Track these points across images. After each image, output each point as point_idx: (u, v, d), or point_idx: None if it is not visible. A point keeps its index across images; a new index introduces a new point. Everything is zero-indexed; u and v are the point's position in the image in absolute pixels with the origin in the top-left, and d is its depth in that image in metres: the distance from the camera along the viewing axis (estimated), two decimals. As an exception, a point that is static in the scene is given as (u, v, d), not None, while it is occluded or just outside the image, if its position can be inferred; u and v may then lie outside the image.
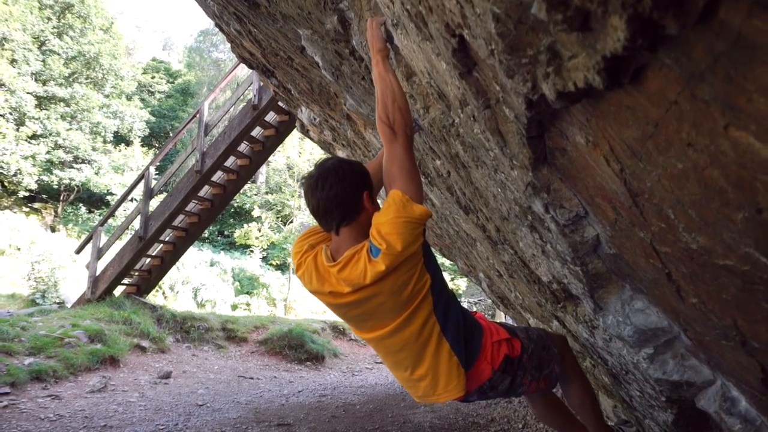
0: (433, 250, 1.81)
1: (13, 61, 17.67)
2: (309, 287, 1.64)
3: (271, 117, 8.53)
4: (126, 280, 9.19)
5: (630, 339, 1.45)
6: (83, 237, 12.29)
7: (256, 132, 8.65)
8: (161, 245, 9.24)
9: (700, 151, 0.66)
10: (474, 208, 2.27)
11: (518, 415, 5.02)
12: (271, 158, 21.27)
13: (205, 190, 8.95)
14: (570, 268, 1.51)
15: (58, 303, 10.49)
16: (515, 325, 1.89)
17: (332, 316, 16.17)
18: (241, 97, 8.83)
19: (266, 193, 20.93)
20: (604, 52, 0.64)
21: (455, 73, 1.19)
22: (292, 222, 18.33)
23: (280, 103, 7.62)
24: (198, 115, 8.81)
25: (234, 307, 15.83)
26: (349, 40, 2.36)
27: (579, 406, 1.94)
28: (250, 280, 17.75)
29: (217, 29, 5.09)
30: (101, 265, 9.01)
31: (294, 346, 9.01)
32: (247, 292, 17.06)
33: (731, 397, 1.32)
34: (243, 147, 8.72)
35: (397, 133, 1.55)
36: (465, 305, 2.09)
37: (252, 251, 19.09)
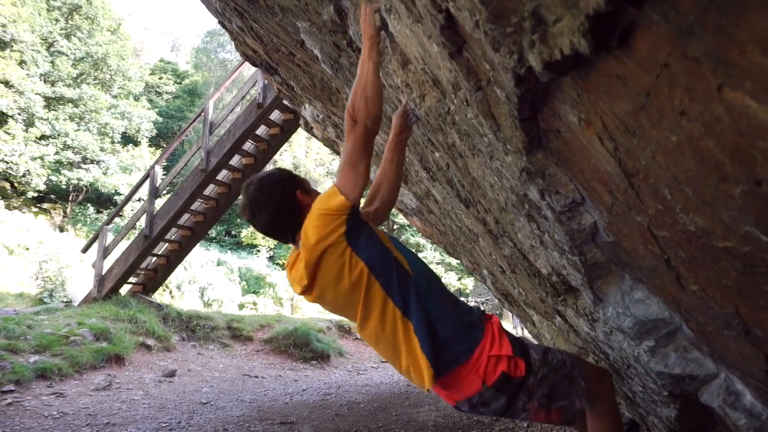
0: (419, 241, 1.73)
1: (21, 63, 17.83)
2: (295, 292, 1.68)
3: (275, 116, 8.53)
4: (132, 279, 9.22)
5: (630, 331, 1.40)
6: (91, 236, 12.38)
7: (261, 131, 8.65)
8: (167, 244, 9.26)
9: (694, 120, 0.61)
10: (473, 200, 2.22)
11: (523, 414, 4.96)
12: (278, 158, 21.35)
13: (210, 189, 8.95)
14: (568, 258, 1.46)
15: (65, 302, 10.55)
16: (539, 343, 1.66)
17: (338, 316, 16.08)
18: (246, 95, 8.82)
19: (273, 192, 20.88)
20: (588, 11, 0.60)
21: (445, 54, 1.15)
22: (298, 221, 18.32)
23: (284, 102, 7.61)
24: (203, 114, 8.82)
25: (241, 306, 15.86)
26: (347, 31, 2.33)
27: None
28: (257, 280, 17.78)
29: (223, 29, 5.09)
30: (107, 264, 9.04)
31: (299, 345, 9.00)
32: (254, 292, 17.09)
33: (735, 390, 1.27)
34: (248, 146, 8.72)
35: (357, 123, 1.53)
36: (472, 304, 1.92)
37: (259, 251, 19.13)
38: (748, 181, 0.63)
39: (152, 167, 9.24)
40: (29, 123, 17.70)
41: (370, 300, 1.52)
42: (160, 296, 12.24)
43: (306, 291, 1.57)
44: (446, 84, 1.38)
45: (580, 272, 1.45)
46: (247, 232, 17.49)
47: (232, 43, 5.32)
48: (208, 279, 15.68)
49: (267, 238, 16.94)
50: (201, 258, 17.06)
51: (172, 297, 14.10)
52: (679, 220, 0.87)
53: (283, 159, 20.15)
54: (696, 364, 1.35)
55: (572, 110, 0.90)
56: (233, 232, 22.64)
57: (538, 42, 0.72)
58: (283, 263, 19.81)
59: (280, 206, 1.57)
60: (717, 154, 0.63)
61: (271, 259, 20.07)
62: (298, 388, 6.72)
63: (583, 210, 1.25)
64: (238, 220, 22.88)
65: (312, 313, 15.98)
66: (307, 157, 18.84)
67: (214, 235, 22.40)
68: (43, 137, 18.06)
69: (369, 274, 1.50)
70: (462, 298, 1.64)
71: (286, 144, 19.14)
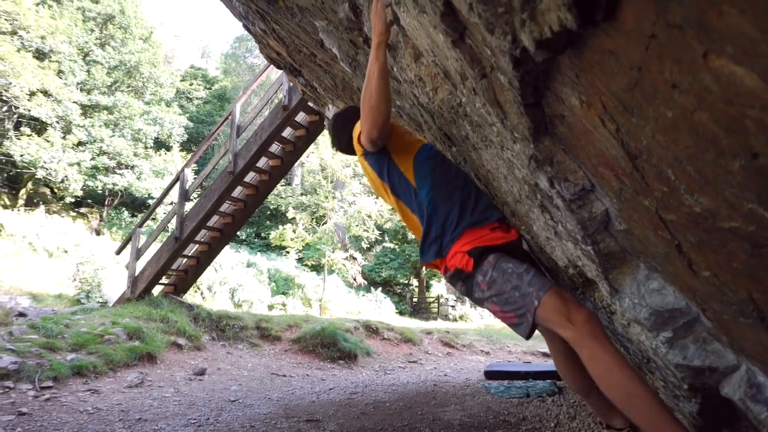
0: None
1: (59, 72, 18.47)
2: None
3: (301, 117, 8.62)
4: (164, 280, 9.44)
5: (647, 322, 1.37)
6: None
7: (287, 132, 8.75)
8: (197, 245, 9.45)
9: (686, 92, 0.60)
10: (491, 194, 2.21)
11: (551, 414, 4.89)
12: (305, 160, 21.58)
13: (238, 191, 9.10)
14: (582, 249, 1.43)
15: (101, 302, 10.88)
16: (512, 258, 1.75)
17: (365, 315, 16.23)
18: (272, 98, 8.94)
19: (301, 194, 21.20)
20: (570, -17, 0.59)
21: (449, 42, 1.15)
22: (326, 223, 18.47)
23: (309, 104, 7.68)
24: (230, 118, 8.98)
25: (270, 307, 16.06)
26: (362, 28, 2.34)
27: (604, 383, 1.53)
28: (286, 281, 17.98)
29: (248, 33, 5.18)
30: (140, 265, 9.28)
31: (326, 345, 9.05)
32: (283, 293, 17.29)
33: (757, 383, 1.23)
34: (274, 147, 8.83)
35: (363, 132, 1.88)
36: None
37: (288, 252, 19.34)
38: (744, 154, 0.61)
39: (182, 170, 9.45)
40: (67, 130, 18.32)
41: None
42: (191, 297, 12.50)
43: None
44: (455, 74, 1.38)
45: (594, 262, 1.43)
46: (276, 234, 17.69)
47: (257, 46, 5.42)
48: (238, 280, 15.93)
49: (295, 240, 17.18)
50: (231, 259, 17.36)
51: (203, 298, 14.38)
52: (684, 202, 0.84)
53: (310, 161, 20.32)
54: (716, 356, 1.31)
55: (573, 92, 0.89)
56: (263, 234, 22.96)
57: (528, 20, 0.72)
58: (311, 264, 20.07)
59: (339, 130, 2.34)
60: (712, 127, 0.62)
61: (299, 260, 20.28)
62: (325, 387, 6.76)
63: (593, 198, 1.23)
64: (268, 222, 23.23)
65: (340, 313, 16.08)
66: (334, 158, 18.94)
67: (243, 237, 22.78)
68: (79, 144, 18.66)
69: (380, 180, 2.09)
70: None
71: (312, 146, 19.33)
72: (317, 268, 19.91)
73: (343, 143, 2.37)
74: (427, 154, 2.05)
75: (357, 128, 2.03)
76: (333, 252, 17.67)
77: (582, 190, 1.21)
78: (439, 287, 26.11)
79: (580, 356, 1.56)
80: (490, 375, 7.28)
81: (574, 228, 1.34)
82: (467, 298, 2.06)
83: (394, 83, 2.55)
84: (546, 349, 7.88)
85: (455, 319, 21.14)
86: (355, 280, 18.77)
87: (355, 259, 19.08)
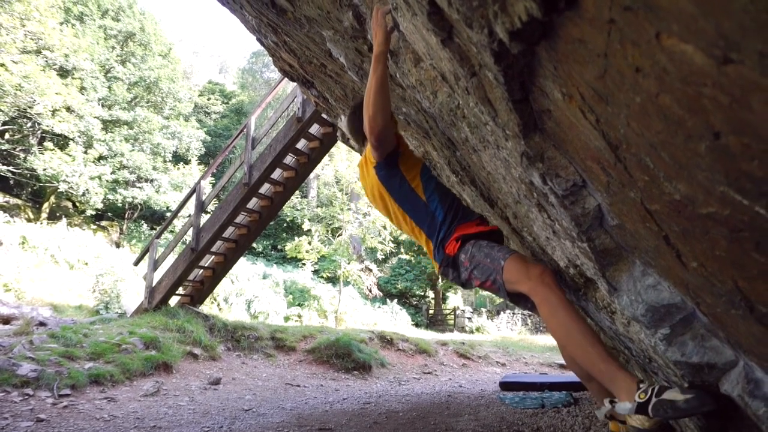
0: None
1: (82, 89, 18.95)
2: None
3: (315, 129, 8.72)
4: (180, 291, 9.56)
5: (644, 319, 1.36)
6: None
7: (301, 144, 8.85)
8: (213, 257, 9.56)
9: (648, 76, 0.62)
10: (494, 198, 2.22)
11: (566, 425, 4.82)
12: (320, 172, 21.73)
13: (253, 203, 9.20)
14: (579, 246, 1.44)
15: (119, 313, 11.04)
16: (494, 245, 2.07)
17: (380, 327, 16.20)
18: (286, 111, 9.07)
19: (316, 206, 21.34)
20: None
21: (439, 42, 1.18)
22: (341, 234, 18.53)
23: (323, 115, 7.78)
24: (245, 130, 9.11)
25: (286, 318, 16.12)
26: (366, 36, 2.39)
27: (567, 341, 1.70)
28: (302, 293, 18.05)
29: (262, 46, 5.29)
30: (157, 276, 9.41)
31: (341, 355, 9.05)
32: (299, 304, 17.34)
33: (755, 378, 1.22)
34: (289, 159, 8.93)
35: (368, 136, 1.97)
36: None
37: (304, 264, 19.42)
38: (708, 134, 0.62)
39: (198, 182, 9.60)
40: (88, 145, 18.75)
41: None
42: (208, 308, 12.61)
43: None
44: (449, 75, 1.41)
45: (591, 260, 1.43)
46: (292, 246, 17.80)
47: (271, 58, 5.52)
48: (254, 292, 16.04)
49: (311, 252, 17.27)
50: (247, 271, 17.49)
51: (219, 309, 14.50)
52: (665, 190, 0.86)
53: (326, 173, 20.47)
54: (714, 352, 1.30)
55: (555, 85, 0.91)
56: (279, 247, 23.11)
57: (500, 12, 0.74)
58: (327, 276, 20.12)
59: (360, 124, 2.24)
60: (675, 109, 0.63)
61: (315, 272, 20.35)
62: (339, 397, 6.75)
63: (585, 193, 1.24)
64: (284, 234, 23.38)
65: (356, 325, 16.06)
66: (348, 169, 19.06)
67: (260, 249, 22.96)
68: (100, 158, 19.08)
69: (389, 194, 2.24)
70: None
71: (327, 158, 19.47)
72: (333, 280, 19.96)
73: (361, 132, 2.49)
74: (429, 173, 2.29)
75: (368, 146, 2.19)
76: (348, 263, 17.70)
77: (574, 185, 1.22)
78: (456, 299, 25.95)
79: (536, 304, 1.79)
80: (506, 386, 7.21)
81: (569, 225, 1.35)
82: (461, 288, 2.26)
83: (399, 90, 2.59)
84: (563, 361, 7.77)
85: (471, 331, 20.96)
86: (370, 291, 18.76)
87: (370, 270, 19.09)
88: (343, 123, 5.71)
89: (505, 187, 1.74)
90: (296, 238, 19.08)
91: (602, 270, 1.42)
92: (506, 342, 15.03)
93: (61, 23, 18.70)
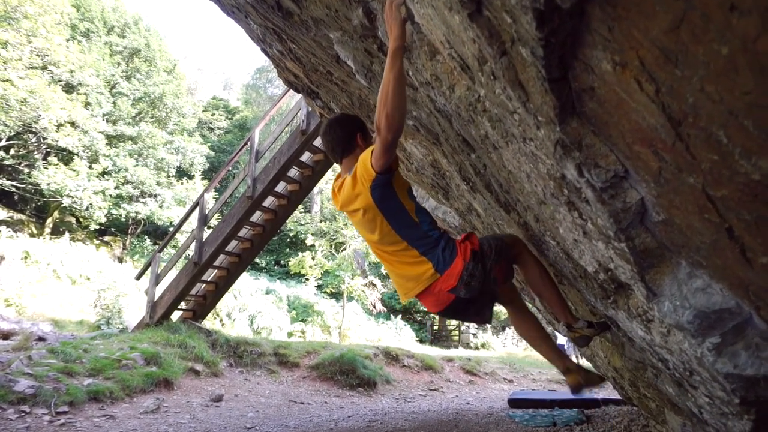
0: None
1: (87, 104, 19.02)
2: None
3: (319, 142, 8.63)
4: (182, 305, 9.40)
5: (690, 326, 1.23)
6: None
7: (305, 157, 8.77)
8: (215, 271, 9.42)
9: (747, 13, 0.51)
10: (512, 201, 2.10)
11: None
12: (324, 187, 21.63)
13: (257, 216, 9.09)
14: (615, 247, 1.32)
15: (120, 328, 10.88)
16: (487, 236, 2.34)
17: (385, 342, 15.97)
18: (290, 123, 9.00)
19: (320, 221, 21.22)
20: None
21: (465, 17, 1.07)
22: (345, 249, 18.39)
23: (327, 127, 7.69)
24: (249, 143, 9.04)
25: (290, 334, 15.92)
26: (376, 34, 2.30)
27: (540, 285, 2.33)
28: (305, 308, 17.87)
29: (267, 58, 5.22)
30: (159, 290, 9.27)
31: (345, 372, 8.86)
32: (302, 320, 17.16)
33: (821, 392, 1.09)
34: (293, 172, 8.84)
35: (380, 135, 1.83)
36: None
37: (307, 280, 19.26)
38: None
39: (201, 195, 9.51)
40: (93, 160, 18.75)
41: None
42: (210, 323, 12.45)
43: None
44: (472, 61, 1.30)
45: (629, 262, 1.31)
46: (295, 261, 17.64)
47: (276, 70, 5.45)
48: (257, 307, 15.88)
49: (314, 267, 17.14)
50: (250, 287, 17.34)
51: (222, 325, 14.33)
52: (739, 170, 0.74)
53: (330, 188, 20.39)
54: (771, 364, 1.17)
55: (605, 54, 0.80)
56: (282, 262, 22.96)
57: (555, -47, 0.64)
58: (330, 291, 19.95)
59: (342, 136, 2.21)
60: (779, 57, 0.52)
61: (319, 287, 20.18)
62: (344, 415, 6.58)
63: (627, 185, 1.12)
64: (287, 249, 23.24)
65: (360, 341, 15.85)
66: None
67: (263, 264, 22.82)
68: (104, 173, 19.07)
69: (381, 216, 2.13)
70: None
71: (331, 172, 19.41)
72: (336, 295, 19.77)
73: (344, 140, 2.29)
74: (413, 194, 2.33)
75: (367, 155, 2.00)
76: (352, 279, 17.52)
77: (614, 176, 1.10)
78: (460, 315, 25.62)
79: (522, 263, 2.31)
80: (515, 403, 7.02)
81: (606, 223, 1.23)
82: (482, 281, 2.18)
83: (410, 91, 2.49)
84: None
85: (477, 347, 20.71)
86: (374, 307, 18.55)
87: (374, 285, 18.89)
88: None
89: (528, 187, 1.63)
90: (299, 253, 18.94)
91: (641, 273, 1.30)
92: (512, 358, 14.80)
93: (68, 39, 18.83)
